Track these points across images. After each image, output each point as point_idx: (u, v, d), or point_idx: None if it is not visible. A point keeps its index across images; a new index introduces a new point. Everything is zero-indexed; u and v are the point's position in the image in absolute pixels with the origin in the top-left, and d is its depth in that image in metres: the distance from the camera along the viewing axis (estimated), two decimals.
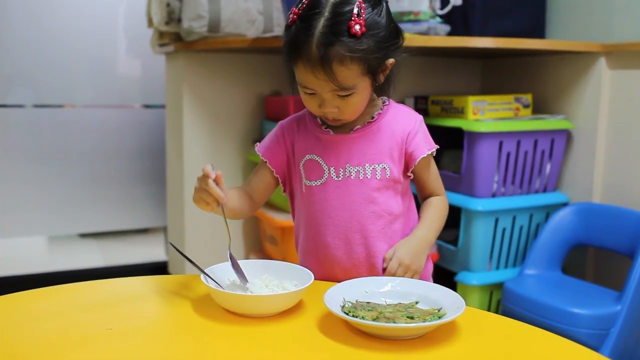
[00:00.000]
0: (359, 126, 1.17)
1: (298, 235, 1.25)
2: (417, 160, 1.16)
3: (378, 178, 1.15)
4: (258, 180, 1.24)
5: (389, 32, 1.09)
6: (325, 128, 1.18)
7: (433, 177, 1.24)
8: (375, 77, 1.11)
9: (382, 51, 1.08)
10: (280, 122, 1.26)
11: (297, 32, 1.06)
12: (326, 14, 1.04)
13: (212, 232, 2.58)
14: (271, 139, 1.24)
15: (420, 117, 1.21)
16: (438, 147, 1.21)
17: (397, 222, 1.19)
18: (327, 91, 1.08)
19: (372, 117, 1.18)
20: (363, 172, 1.16)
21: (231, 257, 1.08)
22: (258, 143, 1.25)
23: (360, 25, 1.04)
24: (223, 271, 1.07)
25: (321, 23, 1.04)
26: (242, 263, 1.10)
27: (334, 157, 1.17)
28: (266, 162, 1.22)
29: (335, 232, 1.17)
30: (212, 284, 1.01)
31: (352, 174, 1.16)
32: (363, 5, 1.05)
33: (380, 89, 1.18)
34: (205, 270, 1.04)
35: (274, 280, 1.07)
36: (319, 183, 1.18)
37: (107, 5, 3.18)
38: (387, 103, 1.21)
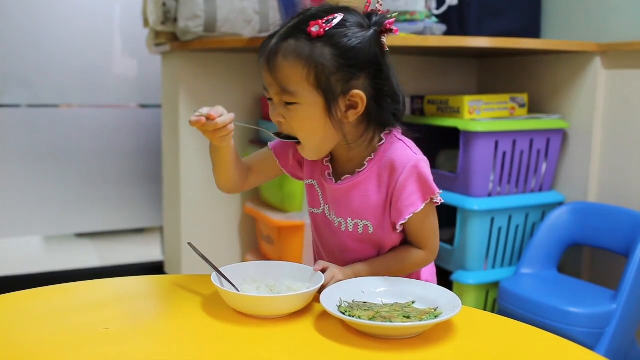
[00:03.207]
0: (348, 175, 1.09)
1: None
2: (404, 220, 1.05)
3: (360, 232, 1.10)
4: (261, 159, 1.22)
5: (361, 57, 1.00)
6: (327, 162, 1.13)
7: (419, 231, 1.10)
8: (330, 101, 1.00)
9: (340, 70, 0.99)
10: None
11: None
12: (306, 14, 1.02)
13: (208, 232, 2.58)
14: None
15: (414, 163, 1.04)
16: (437, 193, 1.05)
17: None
18: (274, 93, 1.03)
19: (363, 165, 1.08)
20: (345, 225, 1.11)
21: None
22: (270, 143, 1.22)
23: (320, 27, 0.98)
24: (235, 272, 1.07)
25: (293, 21, 1.02)
26: (250, 265, 1.10)
27: (326, 197, 1.14)
28: (277, 161, 1.20)
29: (327, 255, 1.19)
30: (226, 285, 1.02)
31: (335, 222, 1.13)
32: (347, 18, 1.00)
33: (362, 129, 1.06)
34: (220, 270, 1.04)
35: (279, 281, 1.06)
36: (316, 212, 1.17)
37: (103, 4, 3.17)
38: (384, 142, 1.08)
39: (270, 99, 1.06)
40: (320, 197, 1.15)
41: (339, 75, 1.00)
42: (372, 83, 1.03)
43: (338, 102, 1.01)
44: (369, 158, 1.08)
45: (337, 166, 1.13)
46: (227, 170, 1.17)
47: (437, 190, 1.05)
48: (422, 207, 1.04)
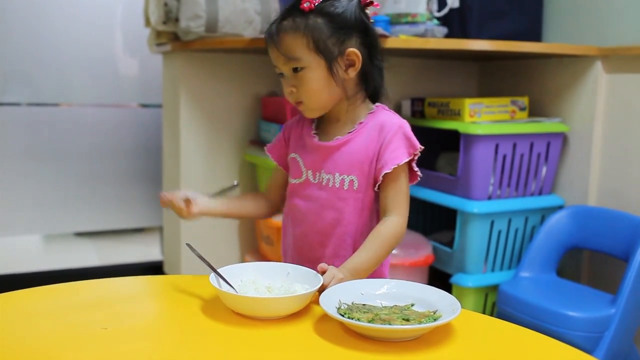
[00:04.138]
0: (339, 136, 1.21)
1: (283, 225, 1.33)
2: (389, 170, 1.16)
3: (345, 188, 1.19)
4: (272, 178, 1.35)
5: (349, 21, 1.16)
6: (314, 133, 1.25)
7: (393, 191, 1.18)
8: (331, 61, 1.15)
9: (334, 33, 1.14)
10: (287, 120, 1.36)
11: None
12: None
13: (208, 232, 2.57)
14: (277, 136, 1.34)
15: (399, 124, 1.18)
16: (419, 149, 1.17)
17: (357, 234, 1.21)
18: (282, 64, 1.17)
19: (354, 127, 1.21)
20: (333, 181, 1.20)
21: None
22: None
23: (310, 3, 1.15)
24: (233, 273, 1.07)
25: (288, 5, 1.18)
26: (248, 266, 1.10)
27: (312, 161, 1.23)
28: (269, 155, 1.33)
29: (302, 229, 1.24)
30: (224, 286, 1.02)
31: (323, 180, 1.22)
32: None
33: (359, 87, 1.21)
34: (218, 271, 1.05)
35: (279, 282, 1.06)
36: (299, 182, 1.25)
37: (105, 4, 3.17)
38: (373, 110, 1.22)
39: (282, 74, 1.19)
40: (302, 165, 1.24)
41: (333, 38, 1.15)
42: (364, 42, 1.18)
43: (338, 62, 1.16)
44: (359, 121, 1.21)
45: (328, 131, 1.24)
46: (239, 215, 1.41)
47: (419, 145, 1.17)
48: (405, 160, 1.16)
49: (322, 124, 1.26)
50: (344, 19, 1.15)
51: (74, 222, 3.30)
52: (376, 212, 1.22)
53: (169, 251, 2.86)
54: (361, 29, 1.17)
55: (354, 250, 1.19)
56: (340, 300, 0.97)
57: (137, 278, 1.19)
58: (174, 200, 1.21)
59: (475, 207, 2.18)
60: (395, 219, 1.17)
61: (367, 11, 1.19)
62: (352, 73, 1.18)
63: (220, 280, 1.03)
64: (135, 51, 3.23)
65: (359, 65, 1.17)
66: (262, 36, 2.31)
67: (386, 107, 1.24)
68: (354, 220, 1.20)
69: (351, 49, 1.16)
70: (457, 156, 2.27)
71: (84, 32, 3.13)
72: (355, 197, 1.19)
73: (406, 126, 1.19)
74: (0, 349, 0.85)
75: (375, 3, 1.20)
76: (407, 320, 0.91)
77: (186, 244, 1.16)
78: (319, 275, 1.04)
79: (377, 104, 1.24)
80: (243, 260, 2.62)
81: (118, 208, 3.33)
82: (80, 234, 3.61)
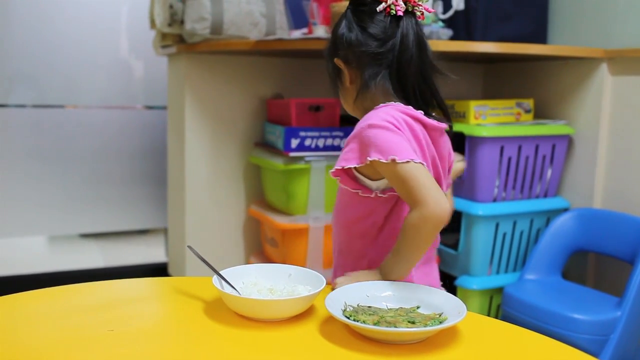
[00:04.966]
0: None
1: None
2: (333, 170, 1.14)
3: (336, 181, 1.21)
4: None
5: (340, 38, 1.20)
6: None
7: (400, 190, 1.08)
8: (334, 74, 1.23)
9: (332, 49, 1.22)
10: None
11: None
12: None
13: (212, 234, 2.57)
14: None
15: (365, 125, 1.09)
16: (368, 158, 1.06)
17: (344, 232, 1.22)
18: None
19: None
20: None
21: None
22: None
23: (329, 33, 1.26)
24: (235, 275, 1.07)
25: None
26: (250, 268, 1.10)
27: None
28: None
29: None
30: (227, 287, 1.02)
31: None
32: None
33: (365, 88, 1.20)
34: (220, 273, 1.05)
35: (282, 284, 1.07)
36: None
37: (110, 6, 3.18)
38: (378, 107, 1.15)
39: None
40: None
41: (332, 55, 1.22)
42: (348, 48, 1.19)
43: (338, 74, 1.22)
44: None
45: None
46: None
47: (370, 155, 1.06)
48: (352, 165, 1.10)
49: None
50: (333, 35, 1.23)
51: (78, 224, 3.31)
52: (388, 215, 1.17)
53: (173, 253, 2.86)
54: (341, 40, 1.19)
55: (340, 246, 1.23)
56: (345, 303, 0.97)
57: (141, 280, 1.19)
58: None
59: (480, 209, 2.18)
60: (411, 213, 1.05)
61: (363, 11, 1.17)
62: (347, 81, 1.21)
63: (223, 282, 1.03)
64: (141, 53, 3.24)
65: (346, 72, 1.20)
66: (268, 38, 2.33)
67: (391, 104, 1.14)
68: (339, 216, 1.23)
69: (336, 59, 1.21)
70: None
71: (89, 34, 3.14)
72: (341, 192, 1.20)
73: (366, 130, 1.09)
74: (5, 351, 0.85)
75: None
76: (413, 322, 0.91)
77: (188, 246, 1.16)
78: (321, 276, 1.04)
79: (391, 102, 1.15)
80: (247, 262, 2.62)
81: (123, 209, 3.34)
82: (85, 236, 3.62)
